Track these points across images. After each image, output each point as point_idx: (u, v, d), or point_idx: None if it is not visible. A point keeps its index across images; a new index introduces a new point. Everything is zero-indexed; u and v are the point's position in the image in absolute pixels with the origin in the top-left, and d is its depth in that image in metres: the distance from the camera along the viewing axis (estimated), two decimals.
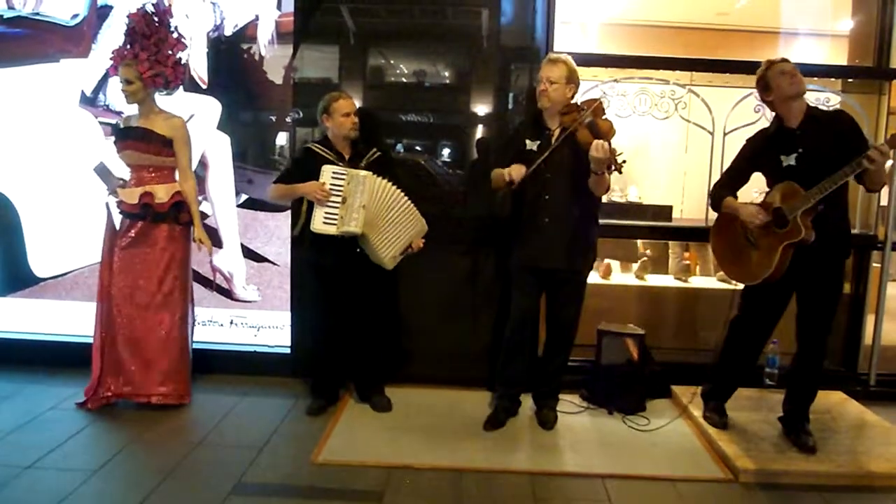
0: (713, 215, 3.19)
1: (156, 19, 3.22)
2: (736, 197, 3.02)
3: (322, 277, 3.24)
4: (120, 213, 3.25)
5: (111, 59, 3.22)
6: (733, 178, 3.06)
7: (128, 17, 3.20)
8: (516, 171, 2.96)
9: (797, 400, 3.04)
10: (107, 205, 3.29)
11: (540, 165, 2.94)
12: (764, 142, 2.95)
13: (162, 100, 3.30)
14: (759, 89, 2.93)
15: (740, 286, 3.12)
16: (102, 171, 3.25)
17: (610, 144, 2.79)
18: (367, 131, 3.28)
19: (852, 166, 2.60)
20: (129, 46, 3.17)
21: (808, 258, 2.80)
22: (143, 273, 3.21)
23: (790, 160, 2.81)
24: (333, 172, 3.04)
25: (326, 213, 3.02)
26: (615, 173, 2.84)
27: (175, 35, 3.27)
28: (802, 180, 2.74)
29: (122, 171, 3.30)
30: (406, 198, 3.10)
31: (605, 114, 2.95)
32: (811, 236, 2.75)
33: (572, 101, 3.05)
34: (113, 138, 3.26)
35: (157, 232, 3.22)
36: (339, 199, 3.02)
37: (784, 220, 2.78)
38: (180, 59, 3.28)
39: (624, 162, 2.80)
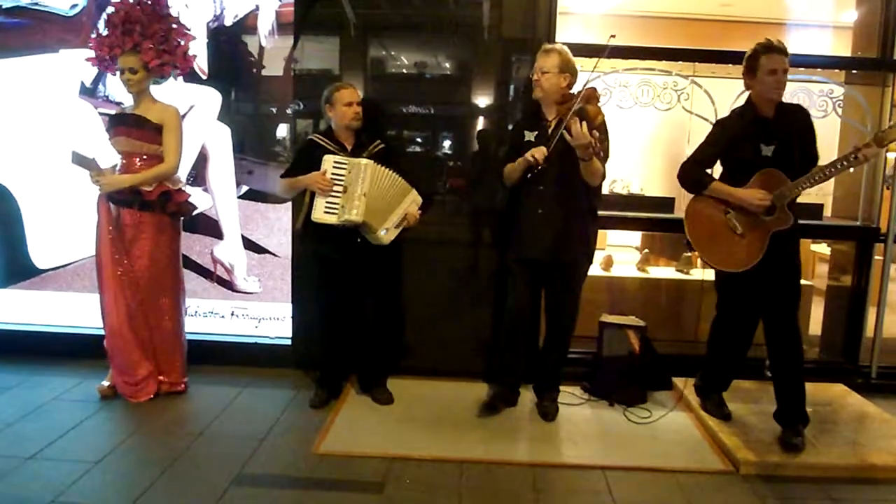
0: None
1: (157, 10, 3.19)
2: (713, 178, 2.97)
3: (325, 268, 3.23)
4: (107, 199, 3.23)
5: (98, 47, 3.19)
6: (710, 159, 2.99)
7: (114, 6, 3.18)
8: (539, 152, 2.93)
9: (788, 394, 2.92)
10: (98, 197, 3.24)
11: (557, 145, 2.89)
12: (742, 128, 2.90)
13: (157, 90, 3.28)
14: (745, 69, 2.89)
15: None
16: (79, 160, 3.16)
17: (595, 128, 2.79)
18: (368, 123, 3.26)
19: (844, 162, 2.66)
20: (125, 35, 3.13)
21: (779, 242, 2.82)
22: (133, 261, 3.20)
23: (768, 150, 2.84)
24: (335, 162, 3.04)
25: (328, 202, 3.02)
26: (621, 164, 2.85)
27: (181, 25, 3.25)
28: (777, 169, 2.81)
29: (92, 152, 3.25)
30: (400, 177, 3.10)
31: (598, 101, 2.94)
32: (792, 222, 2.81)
33: (569, 91, 3.05)
34: (106, 126, 3.23)
35: (145, 221, 3.20)
36: (340, 189, 3.01)
37: (772, 208, 2.80)
38: (188, 48, 3.27)
39: (602, 142, 2.82)
